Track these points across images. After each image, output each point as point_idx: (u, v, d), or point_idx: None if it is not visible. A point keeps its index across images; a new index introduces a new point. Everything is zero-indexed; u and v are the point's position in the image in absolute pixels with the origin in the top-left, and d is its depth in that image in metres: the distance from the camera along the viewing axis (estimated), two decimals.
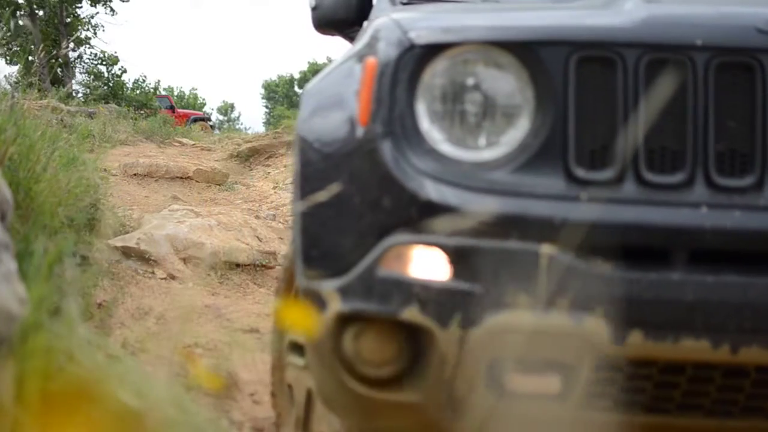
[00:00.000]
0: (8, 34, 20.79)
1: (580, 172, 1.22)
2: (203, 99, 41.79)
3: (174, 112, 20.94)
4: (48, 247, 1.47)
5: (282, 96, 46.00)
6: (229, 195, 7.28)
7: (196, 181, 7.36)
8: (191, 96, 40.19)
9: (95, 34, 23.82)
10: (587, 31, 1.27)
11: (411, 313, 1.20)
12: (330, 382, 1.32)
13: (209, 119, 25.81)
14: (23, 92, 3.68)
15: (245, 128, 37.62)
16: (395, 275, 1.22)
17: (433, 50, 1.27)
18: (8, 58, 21.40)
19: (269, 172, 9.74)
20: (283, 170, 9.65)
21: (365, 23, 2.09)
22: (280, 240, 4.76)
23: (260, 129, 32.39)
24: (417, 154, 1.26)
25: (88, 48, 23.74)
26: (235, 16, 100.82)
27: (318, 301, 1.28)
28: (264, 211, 5.96)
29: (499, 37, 1.28)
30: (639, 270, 1.17)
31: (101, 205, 3.57)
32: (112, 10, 23.92)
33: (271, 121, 35.67)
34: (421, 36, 1.29)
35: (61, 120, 6.08)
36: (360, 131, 1.28)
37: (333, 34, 2.40)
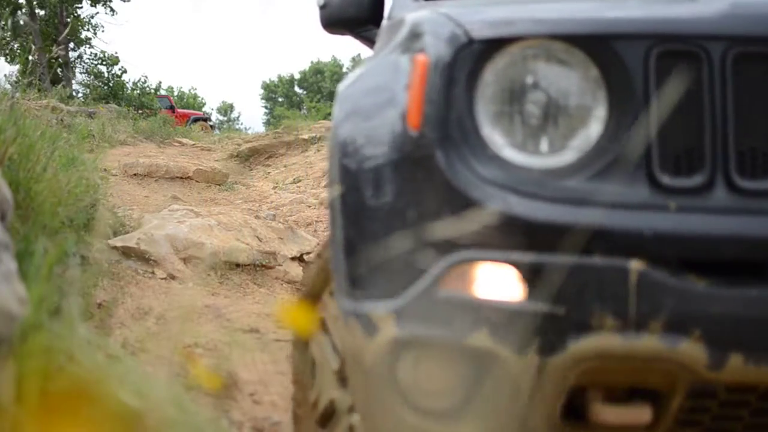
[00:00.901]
0: (8, 33, 20.79)
1: (666, 179, 1.11)
2: (203, 99, 41.80)
3: (174, 112, 20.93)
4: (48, 247, 1.47)
5: (282, 96, 46.01)
6: (229, 195, 7.28)
7: (196, 181, 7.36)
8: (191, 96, 40.20)
9: (95, 34, 23.83)
10: (669, 23, 1.15)
11: (480, 339, 1.08)
12: (380, 412, 1.20)
13: (209, 119, 25.80)
14: (23, 92, 3.68)
15: (245, 128, 37.66)
16: (460, 296, 1.10)
17: (494, 46, 1.16)
18: (8, 57, 21.40)
19: (269, 172, 9.74)
20: (283, 170, 9.65)
21: (385, 21, 1.98)
22: (280, 240, 4.76)
23: (260, 129, 32.42)
24: (480, 161, 1.14)
25: (89, 48, 23.76)
26: (235, 16, 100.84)
27: (367, 324, 1.16)
28: (264, 211, 5.96)
29: (570, 31, 1.16)
30: (738, 287, 1.06)
31: (101, 205, 3.57)
32: (112, 10, 23.93)
33: (271, 121, 35.68)
34: (481, 30, 1.17)
35: (61, 120, 6.08)
36: (411, 136, 1.16)
37: (342, 34, 2.26)
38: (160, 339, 2.68)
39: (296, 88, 46.17)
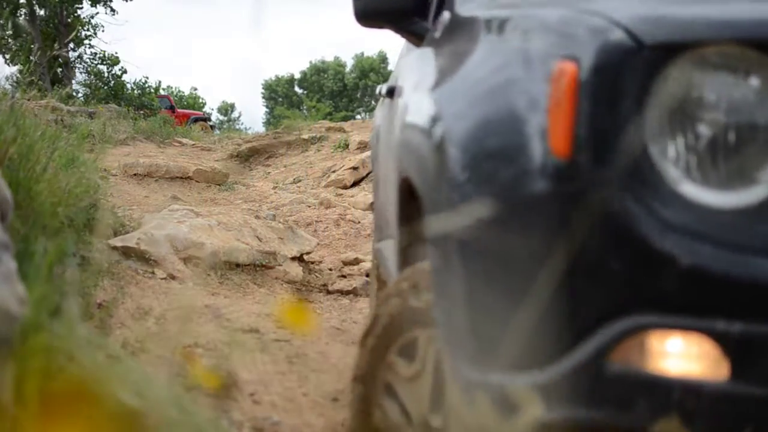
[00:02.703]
0: (8, 33, 20.81)
1: None
2: (203, 99, 41.82)
3: (174, 112, 20.93)
4: (48, 247, 1.47)
5: (282, 96, 46.01)
6: (229, 195, 7.28)
7: (196, 181, 7.36)
8: (191, 96, 40.22)
9: (95, 34, 23.83)
10: None
11: (668, 428, 0.87)
12: None
13: (209, 119, 25.81)
14: (23, 92, 3.68)
15: (245, 128, 37.63)
16: (638, 372, 0.88)
17: (669, 53, 0.93)
18: (8, 57, 21.40)
19: (269, 172, 9.74)
20: (283, 170, 9.66)
21: (445, 13, 1.74)
22: (280, 240, 4.76)
23: (260, 129, 32.42)
24: (660, 201, 0.91)
25: (89, 48, 23.77)
26: (236, 15, 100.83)
27: (501, 401, 0.95)
28: (264, 211, 5.95)
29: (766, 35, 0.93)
30: None
31: (101, 205, 3.57)
32: (112, 10, 23.93)
33: (271, 121, 35.68)
34: (653, 33, 0.93)
35: (61, 120, 6.09)
36: (559, 165, 0.93)
37: (381, 27, 1.96)
38: (160, 339, 2.68)
39: (296, 88, 46.16)
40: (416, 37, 1.94)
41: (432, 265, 1.17)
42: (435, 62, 1.60)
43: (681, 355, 0.89)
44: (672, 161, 0.93)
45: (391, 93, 2.37)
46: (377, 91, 3.01)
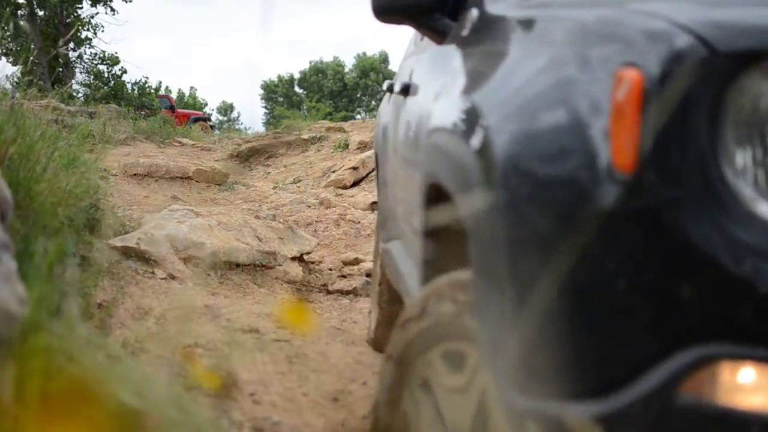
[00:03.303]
0: (8, 33, 20.82)
1: None
2: (203, 99, 41.80)
3: (174, 112, 20.94)
4: (48, 247, 1.48)
5: (282, 96, 46.01)
6: (229, 195, 7.28)
7: (196, 181, 7.37)
8: (191, 96, 40.23)
9: (95, 34, 23.85)
10: None
11: None
12: None
13: (209, 119, 25.83)
14: (23, 92, 3.68)
15: (245, 128, 37.62)
16: (711, 405, 0.82)
17: (745, 61, 0.86)
18: (12, 59, 21.40)
19: (269, 172, 9.75)
20: (283, 170, 9.66)
21: (473, 11, 1.68)
22: (280, 240, 4.76)
23: (260, 129, 32.42)
24: (734, 221, 0.84)
25: (89, 48, 23.77)
26: (236, 15, 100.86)
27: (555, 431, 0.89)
28: (264, 211, 5.96)
29: None
30: None
31: (101, 206, 3.57)
32: (112, 9, 23.93)
33: (271, 121, 35.67)
34: (728, 40, 0.86)
35: (61, 120, 6.09)
36: (622, 180, 0.86)
37: (399, 23, 1.88)
38: (160, 339, 2.68)
39: (296, 88, 46.16)
40: (437, 33, 1.87)
41: (474, 282, 1.11)
42: (465, 63, 1.53)
43: (757, 387, 0.83)
44: (746, 178, 0.86)
45: (405, 91, 2.27)
46: (384, 87, 2.95)
